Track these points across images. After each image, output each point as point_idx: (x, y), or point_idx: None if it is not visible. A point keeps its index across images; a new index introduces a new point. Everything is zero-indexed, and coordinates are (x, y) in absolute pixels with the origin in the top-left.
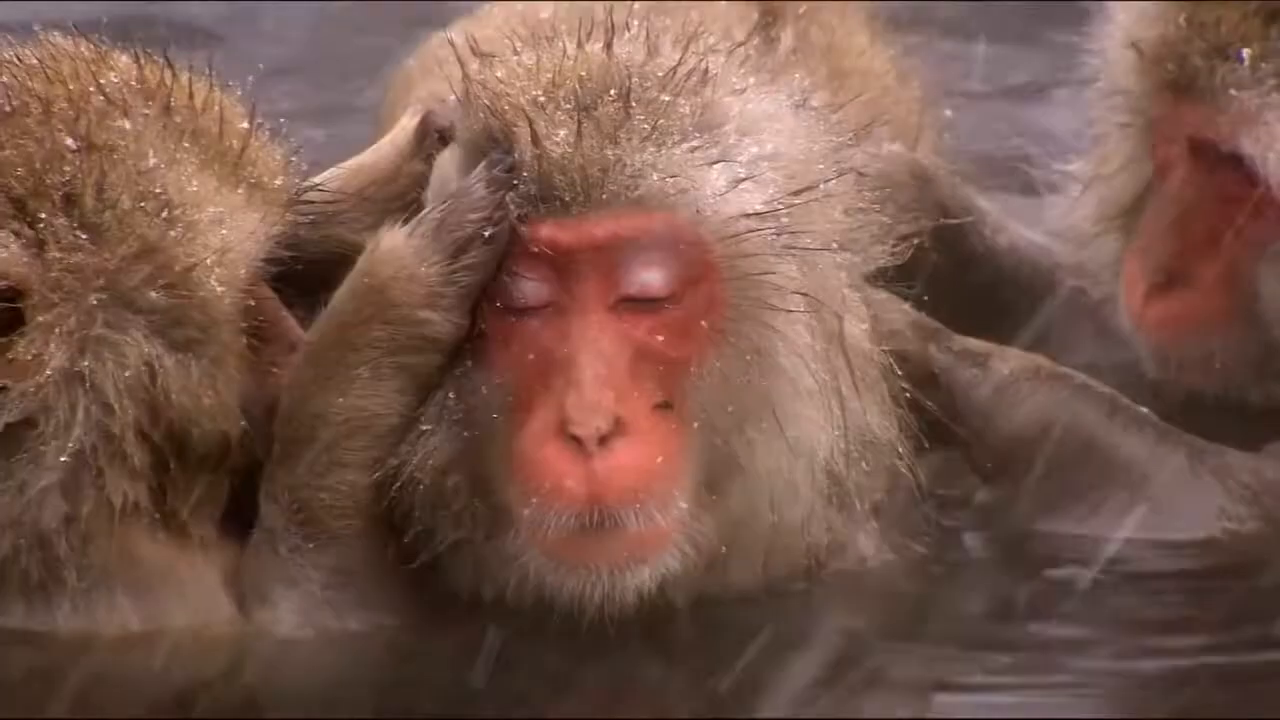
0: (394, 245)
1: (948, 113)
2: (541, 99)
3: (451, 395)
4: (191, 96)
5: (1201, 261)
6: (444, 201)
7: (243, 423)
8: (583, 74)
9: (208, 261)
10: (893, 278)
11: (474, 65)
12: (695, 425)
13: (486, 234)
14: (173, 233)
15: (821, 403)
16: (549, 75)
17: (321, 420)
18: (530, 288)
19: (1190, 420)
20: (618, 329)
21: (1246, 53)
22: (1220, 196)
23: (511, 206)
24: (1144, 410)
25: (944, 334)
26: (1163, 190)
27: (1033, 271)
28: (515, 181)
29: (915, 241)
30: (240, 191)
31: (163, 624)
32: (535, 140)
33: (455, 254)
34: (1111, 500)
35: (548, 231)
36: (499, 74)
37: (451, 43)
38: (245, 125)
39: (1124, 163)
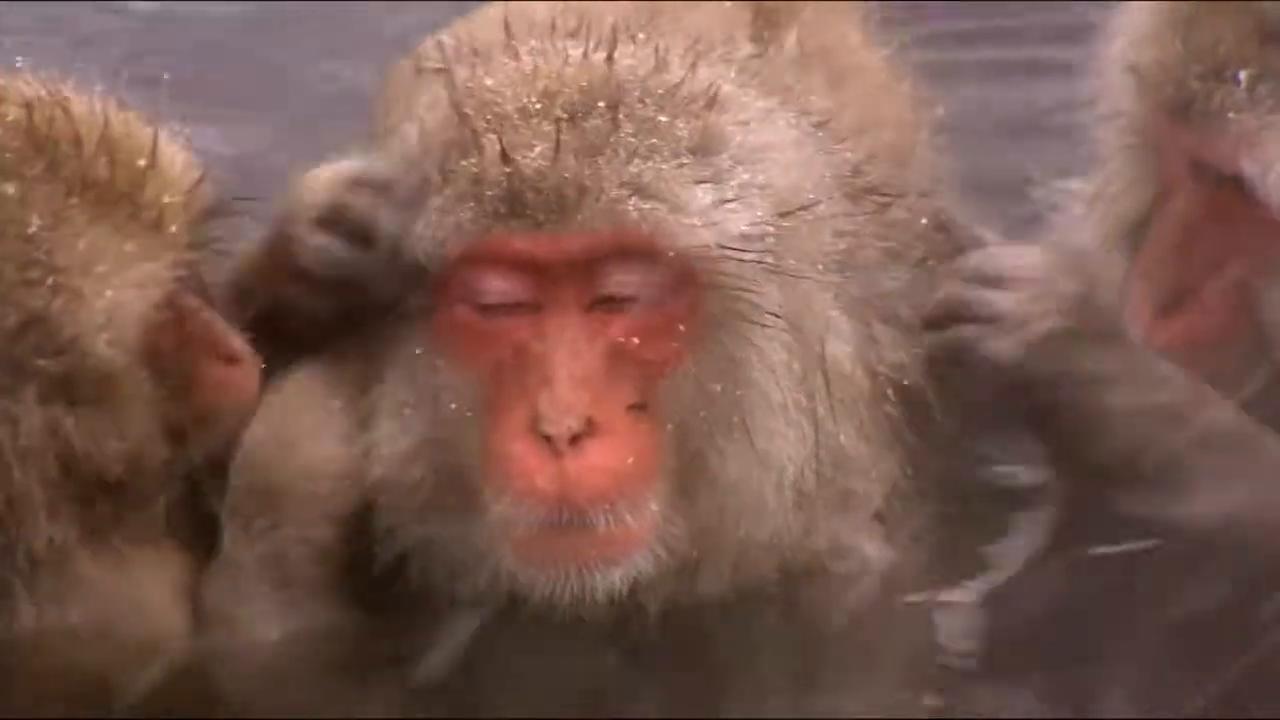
0: None
1: (939, 111)
2: (524, 110)
3: (424, 392)
4: (80, 144)
5: (1207, 282)
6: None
7: (167, 450)
8: (583, 84)
9: (95, 325)
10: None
11: (465, 69)
12: (668, 429)
13: None
14: (58, 302)
15: (794, 420)
16: (540, 84)
17: (273, 479)
18: (504, 288)
19: None
20: (593, 329)
21: (1244, 74)
22: (1222, 217)
23: None
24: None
25: None
26: (1166, 211)
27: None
28: None
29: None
30: (131, 244)
31: (114, 637)
32: (504, 156)
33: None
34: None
35: (520, 244)
36: (488, 81)
37: (443, 44)
38: (142, 162)
39: (1127, 184)
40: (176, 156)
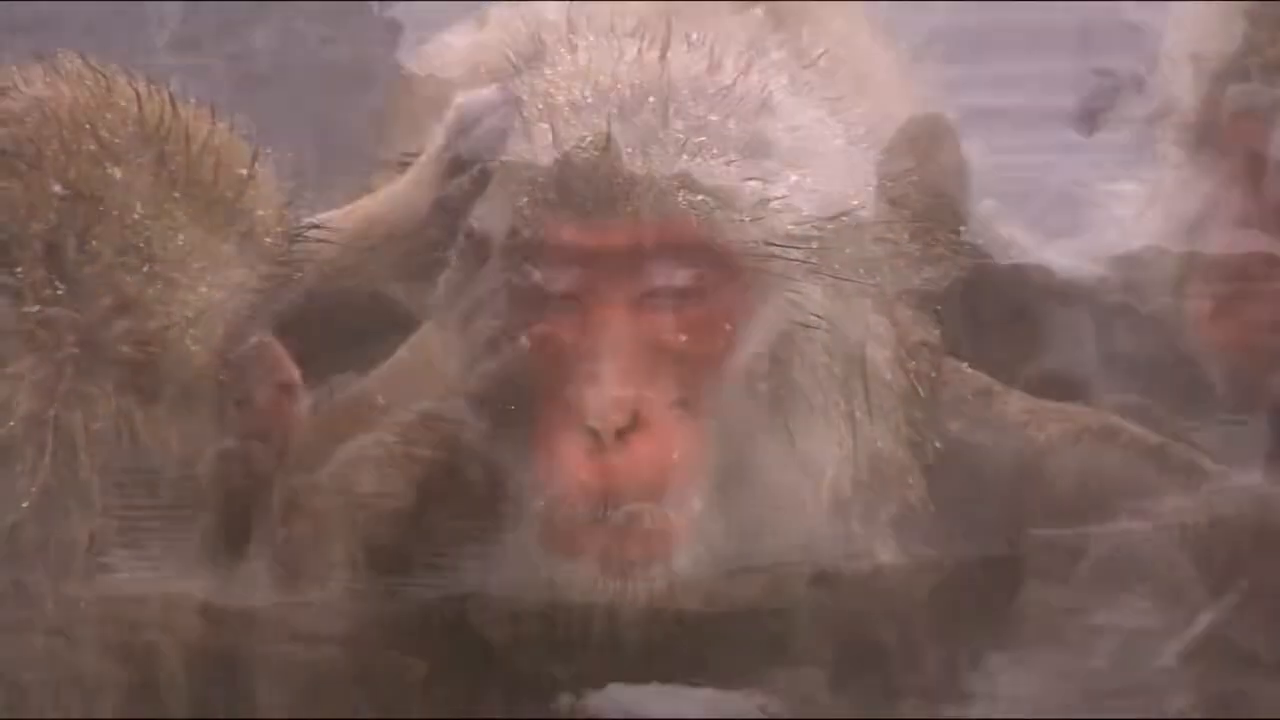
0: (427, 337)
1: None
2: (575, 103)
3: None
4: (188, 141)
5: (1267, 278)
6: (471, 301)
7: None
8: (635, 81)
9: (184, 319)
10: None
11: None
12: (712, 426)
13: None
14: (151, 290)
15: (834, 423)
16: (593, 80)
17: (317, 491)
18: (551, 280)
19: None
20: (639, 324)
21: None
22: None
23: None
24: (1196, 455)
25: (981, 399)
26: (1224, 208)
27: (1065, 284)
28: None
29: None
30: (228, 246)
31: (137, 640)
32: (556, 143)
33: (477, 358)
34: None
35: (570, 233)
36: (546, 71)
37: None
38: (244, 172)
39: (1185, 180)
40: (269, 174)
